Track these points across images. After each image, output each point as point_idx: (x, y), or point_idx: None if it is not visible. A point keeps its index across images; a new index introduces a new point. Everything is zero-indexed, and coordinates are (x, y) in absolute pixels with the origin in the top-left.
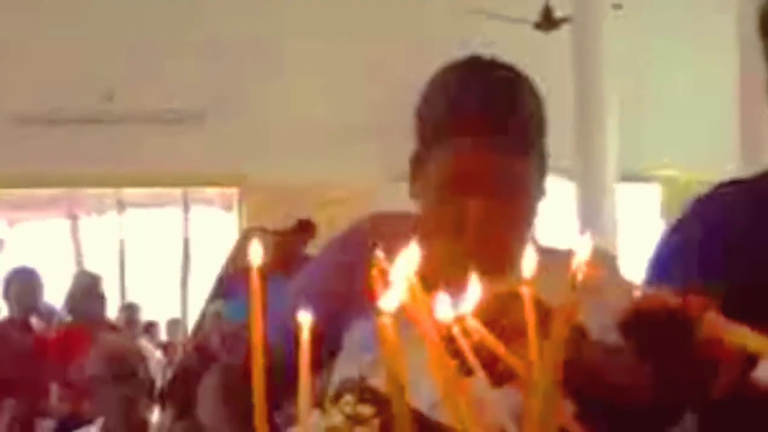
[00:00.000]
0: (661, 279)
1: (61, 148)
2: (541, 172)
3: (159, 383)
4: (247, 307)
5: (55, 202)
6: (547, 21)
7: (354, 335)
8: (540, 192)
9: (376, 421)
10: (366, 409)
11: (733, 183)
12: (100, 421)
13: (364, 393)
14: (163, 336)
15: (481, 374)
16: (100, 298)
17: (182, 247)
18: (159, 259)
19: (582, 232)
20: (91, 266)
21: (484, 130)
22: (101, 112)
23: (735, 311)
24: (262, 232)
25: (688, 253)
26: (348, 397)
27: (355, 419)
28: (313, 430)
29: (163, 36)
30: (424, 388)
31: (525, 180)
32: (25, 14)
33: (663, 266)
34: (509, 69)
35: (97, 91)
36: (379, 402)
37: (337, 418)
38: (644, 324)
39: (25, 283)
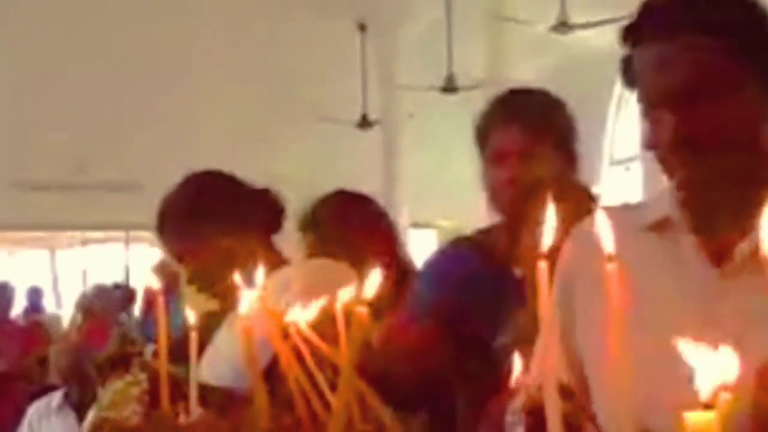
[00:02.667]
0: (418, 296)
1: (44, 206)
2: None
3: None
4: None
5: (40, 240)
6: (365, 122)
7: None
8: None
9: (145, 382)
10: (141, 376)
11: (466, 238)
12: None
13: (144, 366)
14: None
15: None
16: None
17: (124, 274)
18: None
19: None
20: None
21: None
22: (73, 180)
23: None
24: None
25: (435, 283)
26: (136, 371)
27: (132, 382)
28: (105, 393)
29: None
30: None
31: None
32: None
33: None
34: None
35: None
36: (152, 371)
37: (119, 382)
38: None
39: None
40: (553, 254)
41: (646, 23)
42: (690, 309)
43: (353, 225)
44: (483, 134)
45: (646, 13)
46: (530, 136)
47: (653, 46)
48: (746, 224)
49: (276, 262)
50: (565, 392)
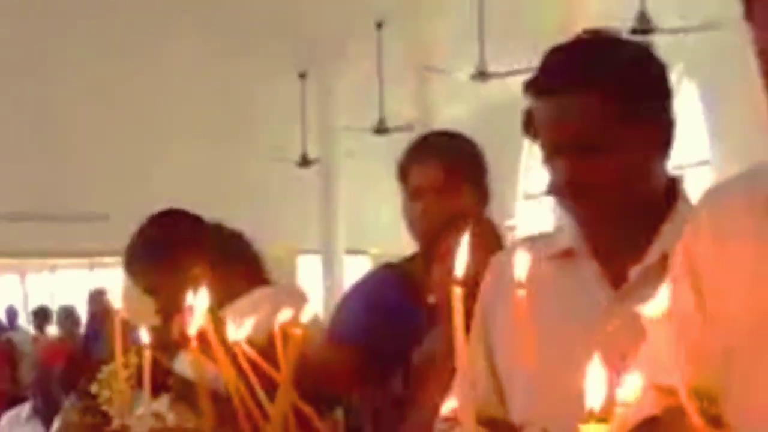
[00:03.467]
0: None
1: (15, 236)
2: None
3: None
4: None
5: (11, 266)
6: (305, 161)
7: None
8: None
9: (134, 366)
10: (134, 359)
11: (391, 264)
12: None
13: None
14: None
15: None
16: None
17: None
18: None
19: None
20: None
21: None
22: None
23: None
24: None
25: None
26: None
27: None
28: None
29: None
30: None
31: None
32: None
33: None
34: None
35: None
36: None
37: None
38: None
39: None
40: (466, 282)
41: (543, 79)
42: (590, 327)
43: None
44: (403, 171)
45: (544, 69)
46: (444, 173)
47: (550, 100)
48: (639, 251)
49: (239, 288)
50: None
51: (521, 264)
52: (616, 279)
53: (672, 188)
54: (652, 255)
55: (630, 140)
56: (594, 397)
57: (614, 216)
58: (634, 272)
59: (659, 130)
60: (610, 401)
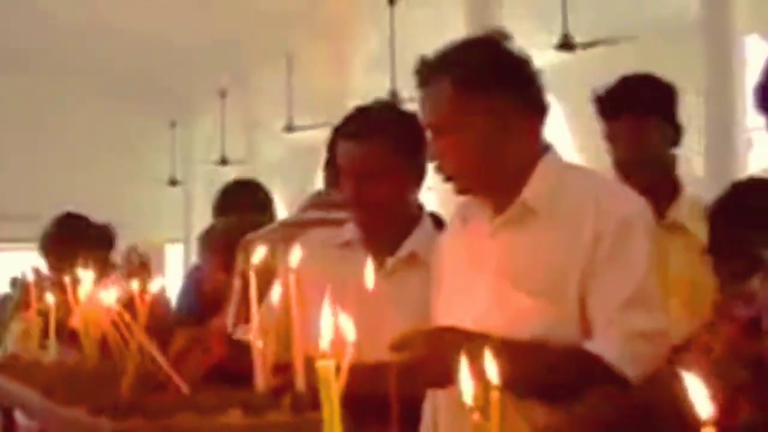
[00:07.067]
0: None
1: None
2: None
3: None
4: None
5: None
6: (172, 182)
7: None
8: None
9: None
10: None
11: None
12: None
13: (40, 311)
14: None
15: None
16: None
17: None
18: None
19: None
20: None
21: None
22: None
23: None
24: None
25: None
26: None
27: (34, 323)
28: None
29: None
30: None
31: None
32: None
33: None
34: None
35: None
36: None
37: (21, 323)
38: None
39: None
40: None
41: (340, 128)
42: (363, 299)
43: None
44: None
45: (343, 121)
46: None
47: (345, 142)
48: (395, 247)
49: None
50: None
51: (295, 255)
52: (378, 264)
53: (420, 207)
54: (403, 251)
55: (395, 172)
56: (325, 339)
57: (381, 224)
58: (390, 262)
59: (414, 170)
60: (341, 343)
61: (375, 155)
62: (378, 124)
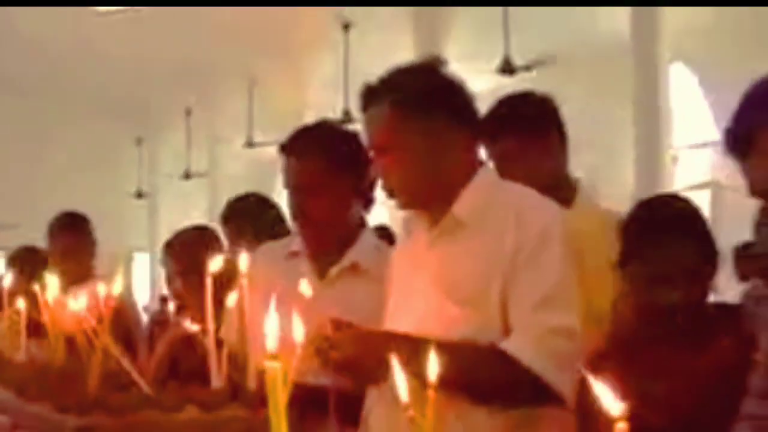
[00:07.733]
0: None
1: None
2: None
3: None
4: None
5: None
6: (140, 194)
7: None
8: None
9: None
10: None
11: None
12: None
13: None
14: None
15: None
16: None
17: None
18: None
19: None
20: None
21: None
22: None
23: None
24: None
25: None
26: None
27: (15, 320)
28: None
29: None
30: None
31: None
32: None
33: None
34: None
35: None
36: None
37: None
38: None
39: None
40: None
41: (284, 145)
42: (306, 304)
43: None
44: None
45: (287, 138)
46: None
47: (287, 158)
48: (339, 257)
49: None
50: None
51: (244, 262)
52: (322, 273)
53: (362, 219)
54: (345, 261)
55: (335, 187)
56: (270, 342)
57: (321, 236)
58: (333, 271)
59: (352, 185)
60: (289, 345)
61: (310, 170)
62: (315, 141)
